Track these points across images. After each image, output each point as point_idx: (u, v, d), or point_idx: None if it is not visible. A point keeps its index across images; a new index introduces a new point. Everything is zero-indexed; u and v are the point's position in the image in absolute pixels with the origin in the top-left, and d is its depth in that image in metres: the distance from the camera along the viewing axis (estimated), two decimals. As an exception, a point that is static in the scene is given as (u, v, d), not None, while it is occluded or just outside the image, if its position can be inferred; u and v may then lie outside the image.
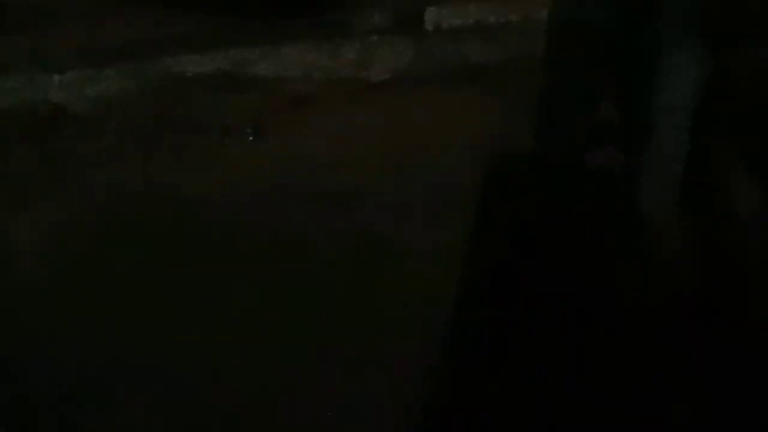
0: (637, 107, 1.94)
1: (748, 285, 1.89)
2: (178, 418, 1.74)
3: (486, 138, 2.59)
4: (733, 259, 1.96)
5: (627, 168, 2.05)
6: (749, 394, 1.67)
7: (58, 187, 2.62)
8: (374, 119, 2.83)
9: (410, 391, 1.74)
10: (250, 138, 2.85)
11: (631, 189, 2.00)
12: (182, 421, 1.74)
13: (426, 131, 2.73)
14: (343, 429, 1.72)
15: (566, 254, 2.01)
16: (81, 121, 3.11)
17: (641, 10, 1.86)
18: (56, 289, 2.14)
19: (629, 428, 1.66)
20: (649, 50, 1.86)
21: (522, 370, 1.78)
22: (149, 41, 3.28)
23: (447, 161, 2.56)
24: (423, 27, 3.20)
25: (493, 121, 2.70)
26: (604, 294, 1.92)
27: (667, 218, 1.97)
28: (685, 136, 1.89)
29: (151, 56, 3.23)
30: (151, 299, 2.09)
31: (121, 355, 1.90)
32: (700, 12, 1.81)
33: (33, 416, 1.75)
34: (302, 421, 1.73)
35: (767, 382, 1.68)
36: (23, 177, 2.70)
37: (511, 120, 2.52)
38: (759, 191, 1.93)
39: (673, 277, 1.93)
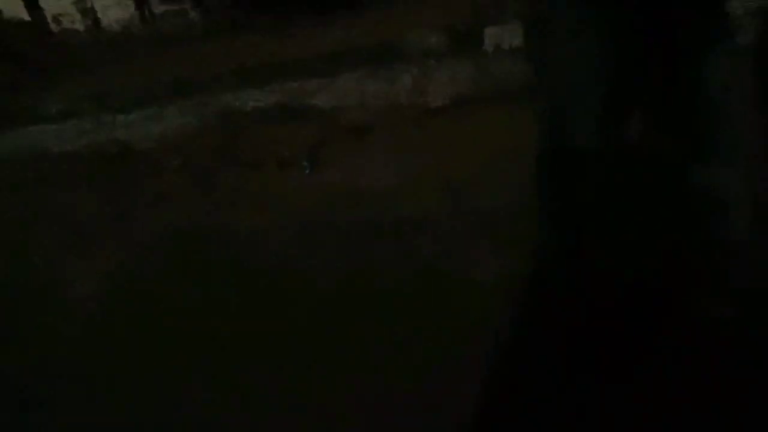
0: (687, 87, 1.71)
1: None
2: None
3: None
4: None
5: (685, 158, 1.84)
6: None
7: (119, 226, 2.64)
8: (432, 146, 2.74)
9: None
10: (307, 171, 2.80)
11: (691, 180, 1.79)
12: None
13: (486, 157, 2.62)
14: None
15: (638, 275, 1.86)
16: (145, 159, 3.16)
17: None
18: (116, 326, 2.16)
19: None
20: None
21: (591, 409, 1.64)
22: (208, 77, 3.31)
23: (509, 187, 2.43)
24: (482, 48, 3.08)
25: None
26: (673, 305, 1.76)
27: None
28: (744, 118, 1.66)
29: (211, 92, 3.26)
30: (212, 338, 2.07)
31: (184, 397, 1.88)
32: None
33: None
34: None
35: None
36: (87, 217, 2.74)
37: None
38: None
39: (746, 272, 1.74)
